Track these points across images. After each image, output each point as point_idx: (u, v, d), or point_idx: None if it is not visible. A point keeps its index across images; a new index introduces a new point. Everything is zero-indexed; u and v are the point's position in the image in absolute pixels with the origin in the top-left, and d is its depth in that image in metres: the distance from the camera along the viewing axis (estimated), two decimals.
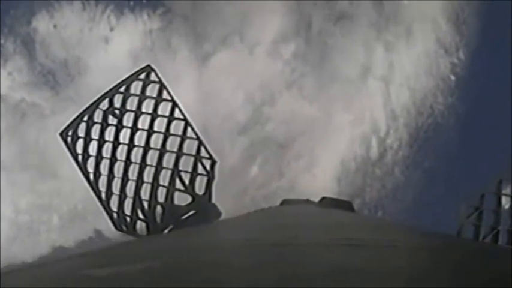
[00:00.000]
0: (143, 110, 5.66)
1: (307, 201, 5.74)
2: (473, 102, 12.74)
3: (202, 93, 13.28)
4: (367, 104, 13.61)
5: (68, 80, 13.61)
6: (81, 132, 5.71)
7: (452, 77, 13.36)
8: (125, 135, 5.66)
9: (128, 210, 5.65)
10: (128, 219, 5.64)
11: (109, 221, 5.73)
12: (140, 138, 5.64)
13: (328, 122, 13.66)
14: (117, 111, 5.67)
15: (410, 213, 12.38)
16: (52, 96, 13.54)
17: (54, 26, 13.57)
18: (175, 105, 5.63)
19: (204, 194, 5.58)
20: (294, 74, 13.89)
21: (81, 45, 13.66)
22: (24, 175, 13.36)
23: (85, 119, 5.67)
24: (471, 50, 13.31)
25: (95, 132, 5.70)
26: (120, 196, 5.65)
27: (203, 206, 5.54)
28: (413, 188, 12.92)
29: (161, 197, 5.58)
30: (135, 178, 5.61)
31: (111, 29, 13.80)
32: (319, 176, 13.59)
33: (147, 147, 5.59)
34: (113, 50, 13.74)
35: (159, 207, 5.57)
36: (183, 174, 5.59)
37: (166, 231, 5.48)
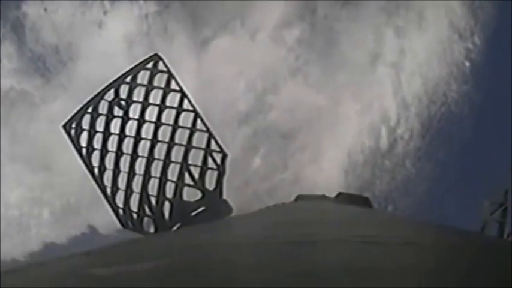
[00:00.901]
0: (151, 101, 5.71)
1: (323, 196, 5.79)
2: (489, 89, 12.72)
3: (201, 81, 13.26)
4: (376, 92, 13.61)
5: (60, 67, 13.59)
6: (85, 124, 5.76)
7: (467, 63, 13.34)
8: (131, 128, 5.71)
9: (134, 206, 5.72)
10: (135, 215, 5.71)
11: (114, 218, 5.78)
12: (147, 130, 5.69)
13: (335, 111, 13.67)
14: (123, 102, 5.72)
15: (422, 206, 12.39)
16: (43, 83, 13.52)
17: (45, 10, 13.52)
18: (184, 96, 5.68)
19: (215, 189, 5.65)
20: (299, 60, 13.89)
21: (73, 30, 13.62)
22: (13, 167, 13.36)
23: (89, 110, 5.71)
24: (487, 34, 13.29)
25: (99, 125, 5.76)
26: (126, 191, 5.70)
27: (214, 201, 5.61)
28: (426, 180, 12.91)
29: (169, 193, 5.66)
30: (142, 173, 5.67)
31: (105, 13, 13.77)
32: (326, 168, 13.62)
33: (154, 140, 5.65)
34: (107, 35, 13.71)
35: (167, 203, 5.65)
36: (192, 169, 5.66)
37: (174, 228, 5.54)
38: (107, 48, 13.32)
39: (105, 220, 13.84)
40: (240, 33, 13.78)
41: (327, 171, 13.56)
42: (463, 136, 12.70)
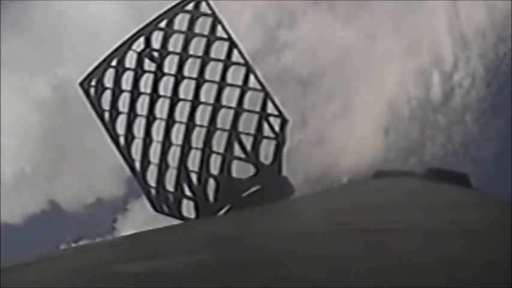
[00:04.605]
0: (191, 52, 5.76)
1: (409, 173, 5.89)
2: None
3: None
4: (425, 25, 13.57)
5: None
6: (108, 81, 5.81)
7: None
8: (166, 86, 5.76)
9: (170, 185, 5.78)
10: (171, 197, 5.77)
11: (145, 200, 5.85)
12: (187, 89, 5.74)
13: (370, 51, 13.63)
14: (156, 54, 5.78)
15: (487, 175, 12.36)
16: None
17: None
18: (233, 45, 5.74)
19: (272, 163, 5.74)
20: None
21: None
22: None
23: (114, 64, 5.77)
24: None
25: (126, 82, 5.80)
26: (160, 166, 5.77)
27: (270, 179, 5.70)
28: (492, 141, 12.89)
29: (214, 168, 5.70)
30: (180, 142, 5.73)
31: None
32: (358, 125, 13.61)
33: (195, 102, 5.71)
34: None
35: (211, 181, 5.70)
36: (243, 138, 5.71)
37: (221, 212, 5.61)
38: None
39: (70, 194, 13.96)
40: None
41: (360, 128, 13.52)
42: None
